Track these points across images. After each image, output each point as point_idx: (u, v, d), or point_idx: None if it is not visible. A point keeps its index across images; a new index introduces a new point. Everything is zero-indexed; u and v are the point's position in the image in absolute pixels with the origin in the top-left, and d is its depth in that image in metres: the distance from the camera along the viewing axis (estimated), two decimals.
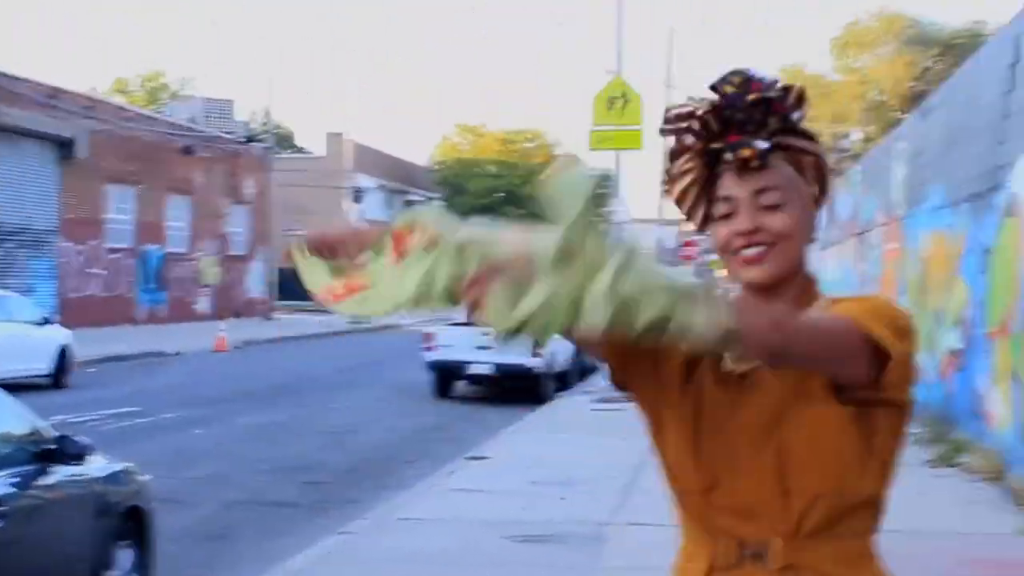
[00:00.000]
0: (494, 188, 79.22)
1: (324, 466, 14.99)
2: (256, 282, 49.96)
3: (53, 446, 6.92)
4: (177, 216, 46.20)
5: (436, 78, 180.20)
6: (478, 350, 22.40)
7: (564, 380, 24.47)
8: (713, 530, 2.56)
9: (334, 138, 67.96)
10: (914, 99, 33.65)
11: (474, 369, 22.79)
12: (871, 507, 2.54)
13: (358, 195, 68.52)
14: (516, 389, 22.97)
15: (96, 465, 7.41)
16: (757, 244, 2.50)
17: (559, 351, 23.80)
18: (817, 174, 2.57)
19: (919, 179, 18.66)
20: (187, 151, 44.92)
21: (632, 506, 11.24)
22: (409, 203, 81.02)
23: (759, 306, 2.33)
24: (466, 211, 47.72)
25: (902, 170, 20.42)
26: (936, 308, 16.73)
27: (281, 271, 52.53)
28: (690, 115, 2.49)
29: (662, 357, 2.54)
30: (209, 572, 9.70)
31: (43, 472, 6.78)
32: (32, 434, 6.95)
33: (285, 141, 58.64)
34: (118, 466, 7.76)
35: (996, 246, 13.38)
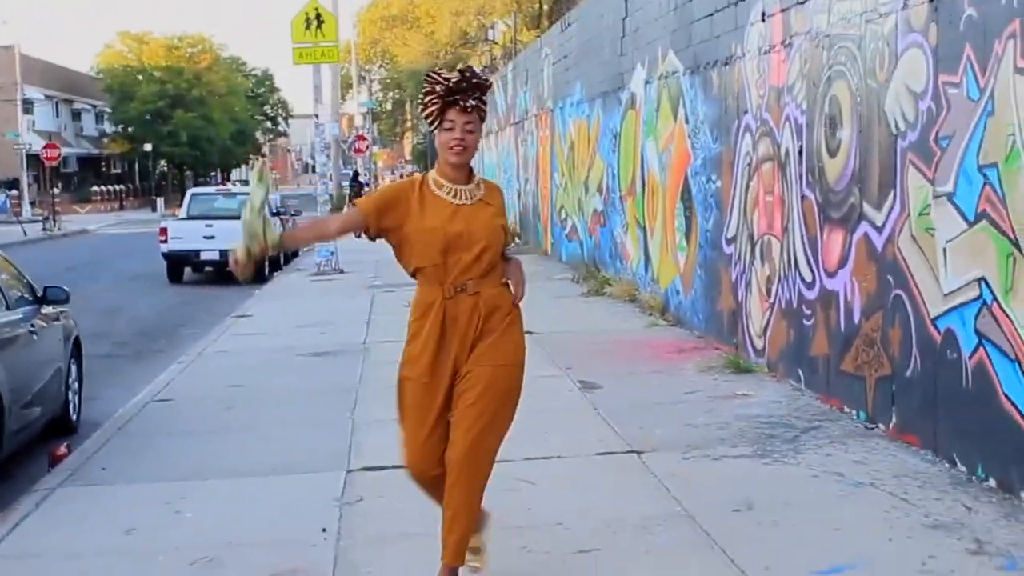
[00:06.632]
0: (161, 93, 79.83)
1: (115, 332, 18.06)
2: None
3: (41, 293, 10.54)
4: None
5: None
6: (205, 239, 25.56)
7: (276, 263, 27.45)
8: (444, 280, 5.35)
9: (0, 50, 67.34)
10: None
11: (204, 256, 25.70)
12: (499, 263, 5.53)
13: (28, 106, 69.04)
14: None
15: (58, 307, 11.02)
16: (461, 147, 5.31)
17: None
18: (484, 112, 5.47)
19: (563, 79, 22.90)
20: None
21: (374, 332, 15.33)
22: (76, 113, 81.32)
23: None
24: (134, 116, 51.32)
25: (549, 71, 24.70)
26: (582, 179, 21.07)
27: None
28: (446, 79, 5.32)
29: (402, 219, 5.39)
30: (94, 391, 12.65)
31: (39, 309, 10.40)
32: (29, 284, 10.54)
33: None
34: (63, 308, 11.35)
35: (622, 131, 17.69)
